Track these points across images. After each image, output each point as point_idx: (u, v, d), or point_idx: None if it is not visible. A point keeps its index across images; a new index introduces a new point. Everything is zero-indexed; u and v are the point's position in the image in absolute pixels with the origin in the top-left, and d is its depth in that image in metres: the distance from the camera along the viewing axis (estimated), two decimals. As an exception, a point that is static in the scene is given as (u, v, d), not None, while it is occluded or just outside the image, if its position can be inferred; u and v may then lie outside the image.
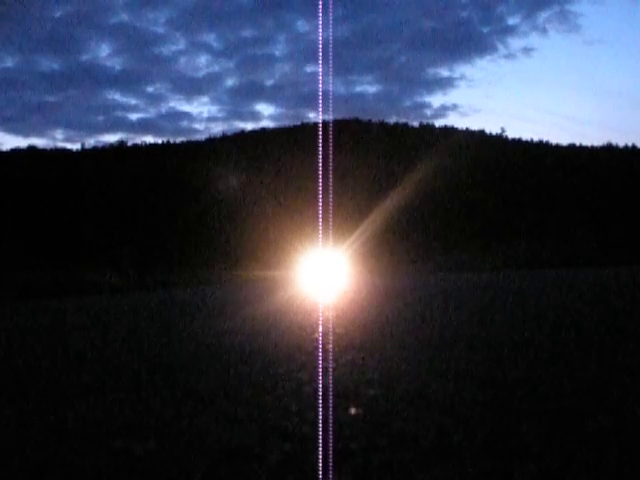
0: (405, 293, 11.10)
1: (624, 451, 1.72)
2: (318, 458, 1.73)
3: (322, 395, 2.51)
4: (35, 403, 2.58)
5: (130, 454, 1.84)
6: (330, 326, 5.19)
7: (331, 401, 2.40)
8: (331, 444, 1.85)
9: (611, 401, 2.28)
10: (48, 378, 3.18)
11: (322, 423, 2.09)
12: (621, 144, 64.20)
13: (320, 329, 5.10)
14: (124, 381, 3.00)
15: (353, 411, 2.25)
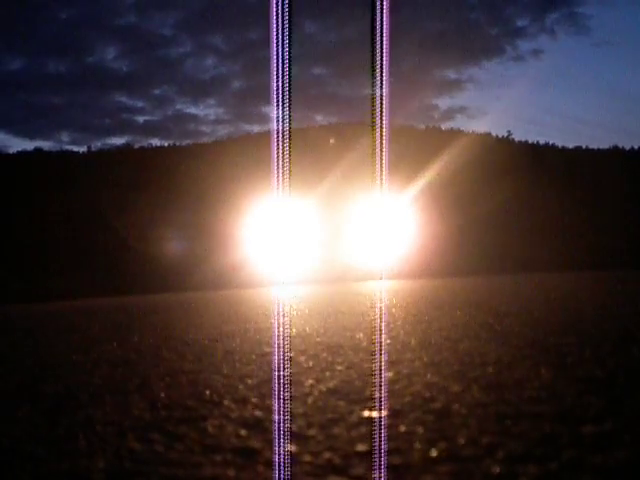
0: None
1: None
2: (324, 459, 1.76)
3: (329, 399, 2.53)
4: (45, 404, 2.61)
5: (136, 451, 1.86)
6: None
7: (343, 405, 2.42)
8: (337, 446, 1.87)
9: None
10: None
11: (327, 426, 2.11)
12: (627, 147, 63.55)
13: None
14: (131, 383, 3.02)
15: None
